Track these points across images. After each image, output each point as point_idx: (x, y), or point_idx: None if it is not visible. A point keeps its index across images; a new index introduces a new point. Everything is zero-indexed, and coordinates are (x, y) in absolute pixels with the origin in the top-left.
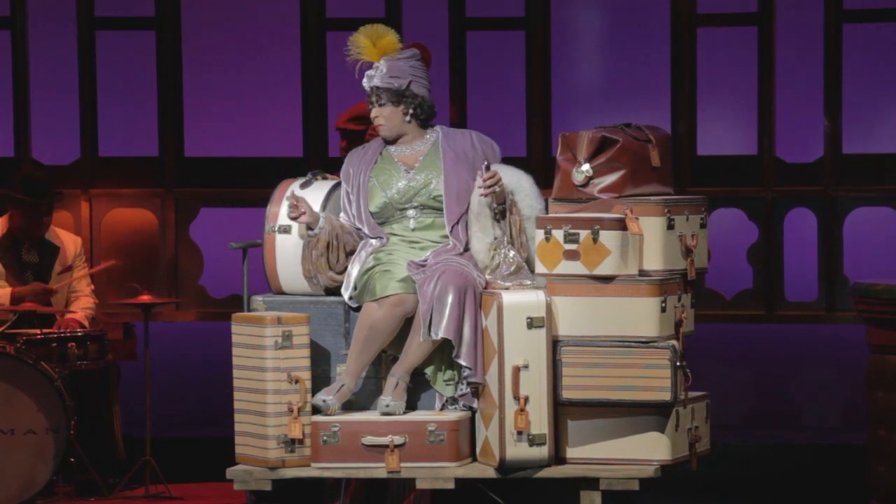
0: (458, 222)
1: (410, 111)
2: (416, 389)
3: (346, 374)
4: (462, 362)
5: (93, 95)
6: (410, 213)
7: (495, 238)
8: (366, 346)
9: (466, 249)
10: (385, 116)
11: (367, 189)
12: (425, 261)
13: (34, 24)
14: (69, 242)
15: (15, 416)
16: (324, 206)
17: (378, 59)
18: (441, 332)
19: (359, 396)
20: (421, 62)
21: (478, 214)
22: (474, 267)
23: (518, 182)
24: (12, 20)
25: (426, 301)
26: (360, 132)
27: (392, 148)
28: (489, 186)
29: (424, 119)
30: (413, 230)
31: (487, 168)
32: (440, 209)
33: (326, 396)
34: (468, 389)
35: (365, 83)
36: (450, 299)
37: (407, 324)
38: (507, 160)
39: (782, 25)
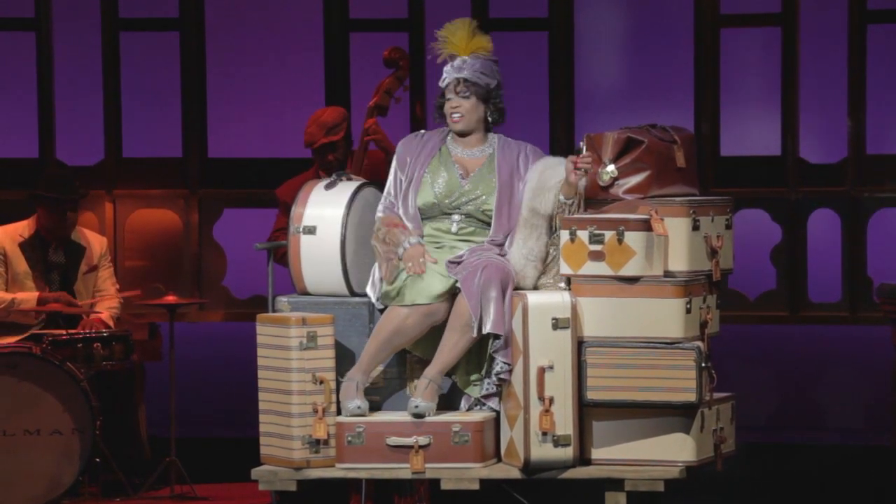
0: (499, 236)
1: (491, 113)
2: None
3: (359, 372)
4: (501, 358)
5: (117, 97)
6: (456, 217)
7: (531, 250)
8: (384, 347)
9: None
10: (466, 109)
11: (419, 183)
12: (461, 257)
13: (59, 26)
14: (95, 243)
15: (41, 416)
16: (348, 208)
17: (467, 53)
18: (489, 327)
19: (383, 398)
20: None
21: (527, 221)
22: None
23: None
24: (37, 22)
25: (473, 297)
26: (339, 140)
27: (453, 146)
28: (580, 168)
29: (494, 125)
30: (454, 234)
31: (583, 149)
32: (487, 222)
33: (359, 402)
34: (494, 389)
35: (450, 72)
36: (493, 294)
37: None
38: None
39: (806, 26)
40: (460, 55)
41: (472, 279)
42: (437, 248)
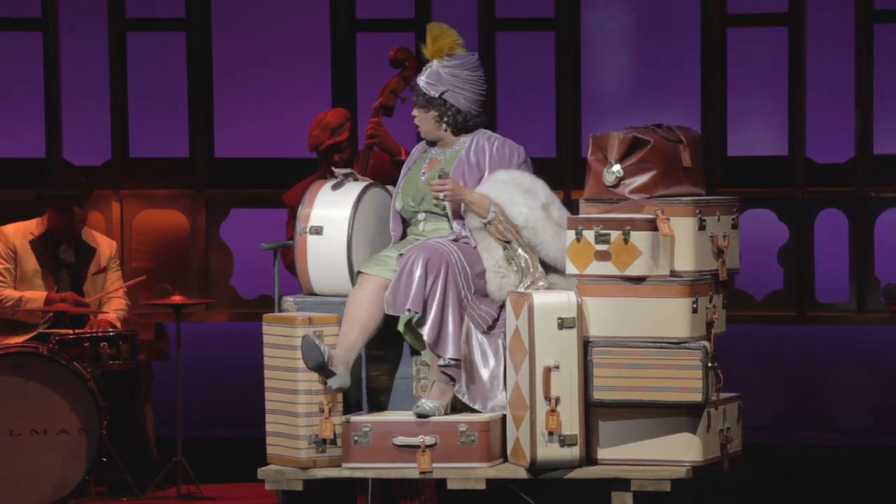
0: (463, 228)
1: (445, 119)
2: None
3: (339, 360)
4: (424, 333)
5: (124, 97)
6: (420, 216)
7: (496, 261)
8: (344, 325)
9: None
10: (420, 118)
11: (400, 186)
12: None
13: (65, 26)
14: (104, 245)
15: (48, 416)
16: (355, 209)
17: (432, 58)
18: (409, 303)
19: (391, 398)
20: (474, 72)
21: (478, 230)
22: (468, 253)
23: (508, 196)
24: (44, 22)
25: (397, 275)
26: (343, 142)
27: (432, 149)
28: (435, 193)
29: (460, 129)
30: (422, 232)
31: (443, 175)
32: (446, 216)
33: (339, 382)
34: (450, 363)
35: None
36: (417, 273)
37: None
38: (536, 161)
39: (813, 25)
40: (429, 58)
41: (403, 257)
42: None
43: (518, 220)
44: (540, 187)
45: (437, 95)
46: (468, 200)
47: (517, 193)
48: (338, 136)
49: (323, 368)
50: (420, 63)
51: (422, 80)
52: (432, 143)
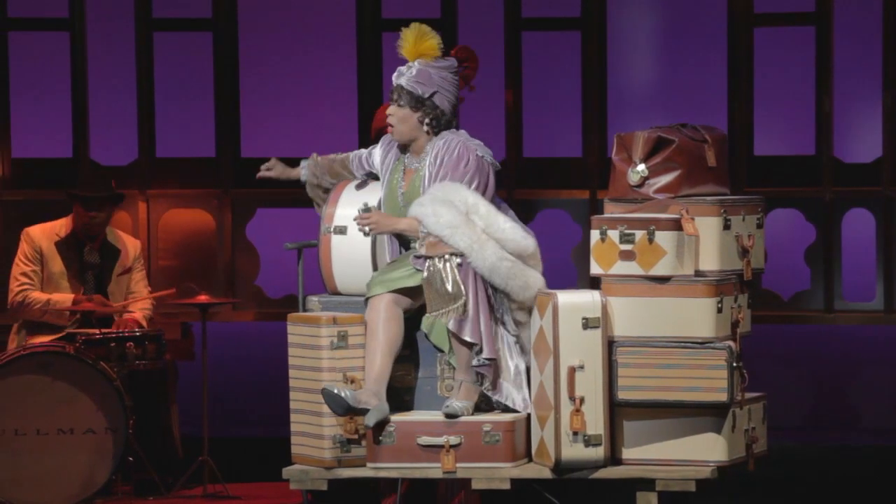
0: None
1: (426, 121)
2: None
3: (369, 394)
4: (467, 338)
5: (150, 97)
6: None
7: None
8: (367, 354)
9: None
10: (399, 118)
11: (383, 198)
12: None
13: (92, 26)
14: (129, 245)
15: (74, 415)
16: (379, 208)
17: (414, 59)
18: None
19: (415, 397)
20: (456, 76)
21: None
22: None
23: (435, 220)
24: (71, 22)
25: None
26: None
27: (405, 157)
28: (360, 229)
29: (439, 130)
30: (412, 244)
31: (365, 210)
32: None
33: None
34: (483, 362)
35: (393, 78)
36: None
37: None
38: (562, 161)
39: (840, 25)
40: (410, 59)
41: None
42: (403, 265)
43: (440, 231)
44: (461, 198)
45: (426, 96)
46: (400, 229)
47: (439, 206)
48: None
49: (352, 410)
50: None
51: (406, 80)
52: (402, 149)
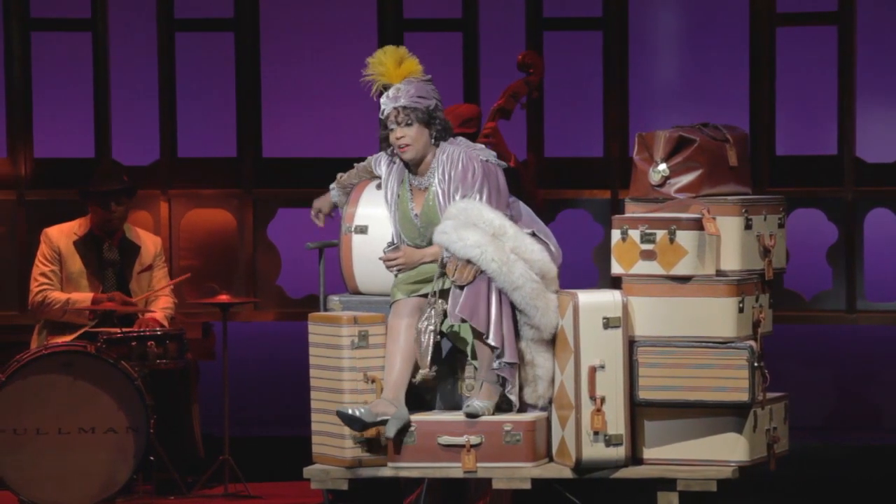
0: None
1: (435, 133)
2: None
3: (385, 403)
4: (490, 342)
5: (172, 96)
6: (424, 244)
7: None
8: (387, 360)
9: None
10: (412, 136)
11: (396, 223)
12: None
13: (114, 26)
14: (149, 242)
15: (96, 414)
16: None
17: (399, 80)
18: (457, 312)
19: (436, 396)
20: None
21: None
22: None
23: (462, 244)
24: (93, 22)
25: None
26: (471, 135)
27: (411, 178)
28: (389, 267)
29: (442, 139)
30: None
31: (389, 247)
32: None
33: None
34: (503, 366)
35: (386, 103)
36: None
37: None
38: (582, 161)
39: (863, 24)
40: (394, 83)
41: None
42: (421, 279)
43: (468, 252)
44: (486, 220)
45: (433, 107)
46: (428, 260)
47: (462, 230)
48: (466, 128)
49: (371, 425)
50: (468, 63)
51: (407, 99)
52: (407, 167)
